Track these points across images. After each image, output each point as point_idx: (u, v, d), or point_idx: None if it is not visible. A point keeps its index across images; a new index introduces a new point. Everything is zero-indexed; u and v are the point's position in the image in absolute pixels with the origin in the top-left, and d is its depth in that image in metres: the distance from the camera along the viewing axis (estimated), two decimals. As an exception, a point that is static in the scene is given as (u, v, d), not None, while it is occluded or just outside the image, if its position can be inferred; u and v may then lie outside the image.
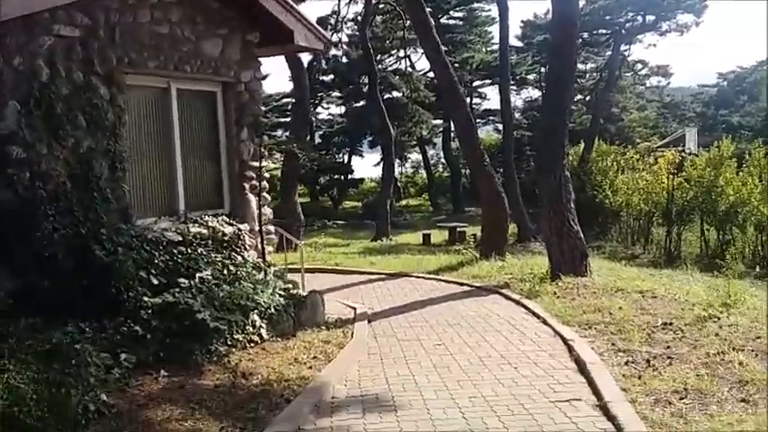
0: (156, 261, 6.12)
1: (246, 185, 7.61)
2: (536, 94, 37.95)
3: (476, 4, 33.26)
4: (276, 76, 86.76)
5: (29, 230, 5.20)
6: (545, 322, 6.79)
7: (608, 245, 18.21)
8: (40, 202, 5.30)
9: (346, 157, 37.64)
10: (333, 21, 24.24)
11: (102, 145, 5.96)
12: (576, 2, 10.24)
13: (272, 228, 8.17)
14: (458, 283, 9.72)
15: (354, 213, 32.57)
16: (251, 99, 7.58)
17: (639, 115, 37.29)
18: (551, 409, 4.35)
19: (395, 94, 32.59)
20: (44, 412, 3.63)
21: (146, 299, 5.38)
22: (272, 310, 6.22)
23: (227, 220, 7.30)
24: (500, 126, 33.31)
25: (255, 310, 6.05)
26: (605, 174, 20.32)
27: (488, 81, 36.20)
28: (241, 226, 7.32)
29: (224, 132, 7.48)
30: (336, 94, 36.14)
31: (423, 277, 10.58)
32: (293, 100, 21.48)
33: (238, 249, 7.20)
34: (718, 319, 6.32)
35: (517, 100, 36.95)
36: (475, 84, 36.36)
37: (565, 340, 6.01)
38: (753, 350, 5.23)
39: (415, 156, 42.23)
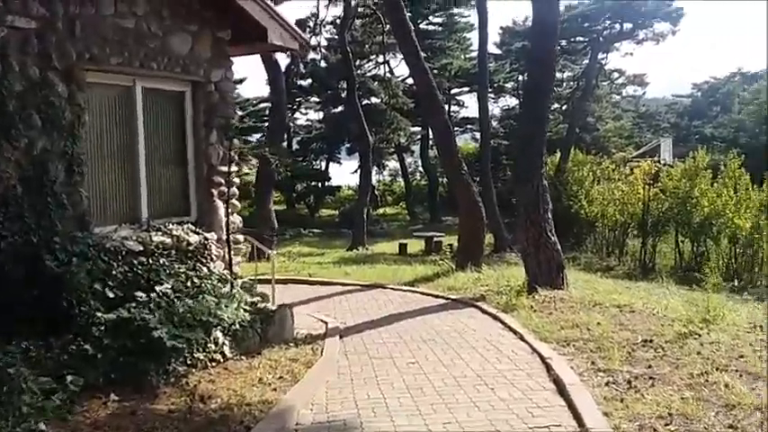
0: (114, 272, 5.74)
1: (215, 192, 7.26)
2: (513, 102, 38.10)
3: (455, 10, 33.25)
4: (253, 79, 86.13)
5: (-29, 238, 4.81)
6: (522, 338, 6.57)
7: (583, 256, 18.15)
8: (-15, 207, 4.91)
9: (324, 164, 37.24)
10: (311, 24, 23.92)
11: (59, 146, 5.58)
12: (556, 10, 10.09)
13: (241, 237, 7.81)
14: (433, 295, 9.47)
15: (331, 221, 32.18)
16: (221, 100, 7.24)
17: (615, 125, 37.63)
18: (530, 436, 4.10)
19: (373, 99, 32.32)
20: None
21: (99, 314, 5.01)
22: (237, 326, 5.88)
23: (193, 228, 6.93)
24: (478, 134, 33.34)
25: (218, 327, 5.70)
26: (581, 184, 20.32)
27: (466, 89, 36.18)
28: (208, 235, 6.96)
29: (192, 135, 7.12)
30: (315, 99, 35.74)
31: (398, 289, 10.31)
32: (270, 104, 21.04)
33: (204, 260, 6.83)
34: (699, 336, 6.16)
35: (495, 108, 37.01)
36: (453, 91, 36.30)
37: (543, 358, 5.78)
38: (737, 370, 5.06)
39: (393, 163, 41.99)
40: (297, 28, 7.92)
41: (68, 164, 5.61)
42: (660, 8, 25.95)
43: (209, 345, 5.58)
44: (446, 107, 27.19)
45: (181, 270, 6.36)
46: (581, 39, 30.52)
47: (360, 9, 25.28)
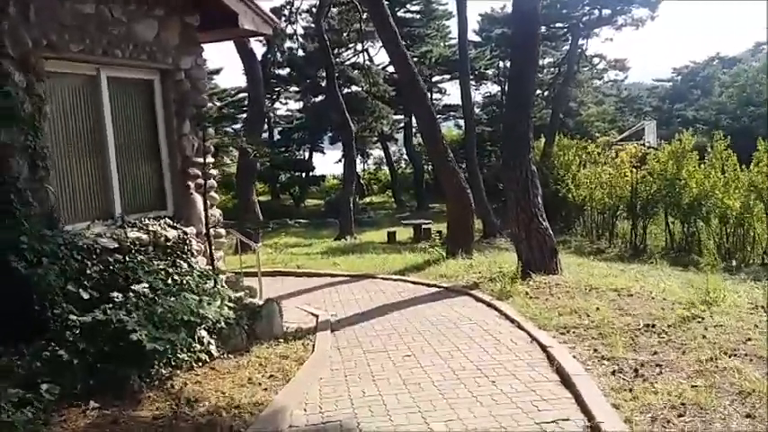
0: (88, 272, 5.39)
1: (191, 184, 6.91)
2: (495, 89, 37.85)
3: (432, -3, 32.92)
4: (231, 69, 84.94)
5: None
6: (520, 326, 6.34)
7: (573, 239, 18.06)
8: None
9: (307, 154, 36.80)
10: (287, 12, 23.37)
11: (19, 140, 5.18)
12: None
13: (222, 231, 7.48)
14: (425, 284, 9.21)
15: (317, 211, 31.82)
16: (193, 88, 6.87)
17: (597, 109, 37.58)
18: (538, 432, 3.86)
19: (354, 88, 31.91)
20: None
21: (73, 317, 4.66)
22: (222, 323, 5.57)
23: (171, 222, 6.59)
24: (461, 122, 33.08)
25: (203, 325, 5.39)
26: (568, 168, 20.16)
27: (448, 76, 35.91)
28: (186, 229, 6.62)
29: (163, 125, 6.76)
30: (295, 88, 35.21)
31: (389, 278, 10.03)
32: (247, 95, 20.55)
33: (184, 256, 6.50)
34: (702, 319, 5.97)
35: (476, 95, 36.77)
36: (434, 79, 36.00)
37: (543, 347, 5.56)
38: (746, 354, 4.86)
39: (378, 152, 41.67)
40: (269, 12, 7.56)
41: (31, 158, 5.22)
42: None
43: (193, 344, 5.27)
44: (428, 95, 26.88)
45: (160, 267, 6.03)
46: (560, 25, 30.32)
47: (336, -4, 24.82)
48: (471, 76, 27.28)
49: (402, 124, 36.27)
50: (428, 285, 9.08)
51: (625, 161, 18.43)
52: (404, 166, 41.16)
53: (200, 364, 5.24)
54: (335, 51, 28.68)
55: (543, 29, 28.24)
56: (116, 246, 5.79)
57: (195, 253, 6.70)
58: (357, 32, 26.93)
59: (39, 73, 5.36)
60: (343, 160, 23.43)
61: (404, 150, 39.09)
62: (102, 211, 6.24)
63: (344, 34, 29.60)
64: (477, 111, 32.97)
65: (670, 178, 15.70)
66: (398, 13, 31.03)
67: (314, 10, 24.79)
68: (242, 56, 16.08)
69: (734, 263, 9.61)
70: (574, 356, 5.23)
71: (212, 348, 5.43)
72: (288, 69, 33.32)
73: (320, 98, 32.88)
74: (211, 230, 6.96)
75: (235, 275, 8.10)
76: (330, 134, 34.34)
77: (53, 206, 5.49)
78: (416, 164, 35.13)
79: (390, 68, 29.83)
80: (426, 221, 20.67)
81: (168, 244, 6.37)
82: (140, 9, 6.31)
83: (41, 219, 5.31)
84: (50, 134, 5.58)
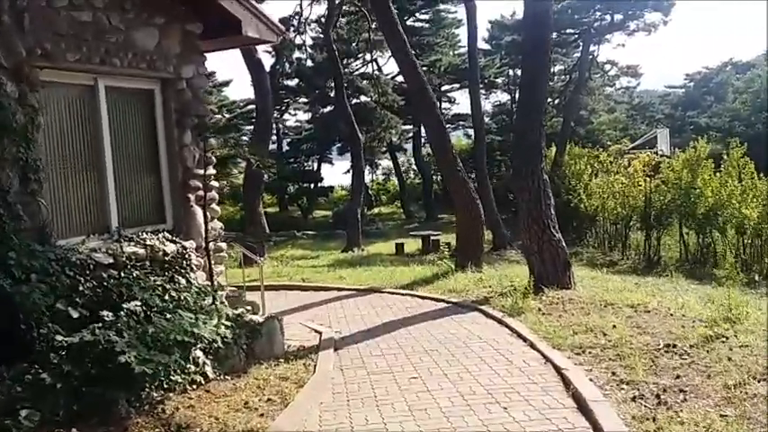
0: (80, 288, 5.16)
1: (192, 196, 6.67)
2: (505, 97, 37.64)
3: (442, 6, 32.73)
4: (240, 81, 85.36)
5: None
6: (532, 346, 6.03)
7: (585, 251, 17.68)
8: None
9: (315, 165, 36.66)
10: (295, 22, 23.27)
11: (11, 152, 4.98)
12: (549, 1, 9.63)
13: (223, 245, 7.23)
14: (433, 298, 8.91)
15: (325, 223, 31.63)
16: (194, 97, 6.65)
17: (609, 117, 37.21)
18: (554, 467, 3.56)
19: (362, 98, 31.76)
20: None
21: (59, 337, 4.42)
22: (219, 343, 5.30)
23: (170, 236, 6.35)
24: (470, 131, 32.86)
25: (198, 345, 5.13)
26: (579, 177, 19.82)
27: (457, 85, 35.72)
28: (186, 243, 6.38)
29: (164, 136, 6.54)
30: (303, 99, 35.14)
31: (396, 293, 9.73)
32: (255, 106, 20.38)
33: (183, 271, 6.25)
34: (726, 339, 5.64)
35: (486, 104, 36.54)
36: (444, 88, 35.81)
37: (558, 369, 5.25)
38: (778, 379, 4.53)
39: (386, 162, 41.48)
40: (274, 19, 7.35)
41: (23, 171, 5.02)
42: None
43: (188, 366, 5.00)
44: (437, 104, 26.68)
45: (157, 283, 5.77)
46: (571, 31, 30.08)
47: (345, 6, 24.67)
48: (481, 85, 27.09)
49: (411, 134, 36.08)
50: (436, 300, 8.78)
51: (638, 170, 18.08)
52: (413, 176, 40.94)
53: (195, 386, 4.97)
54: (344, 61, 28.57)
55: (554, 35, 28.01)
56: (111, 261, 5.57)
57: (195, 268, 6.46)
58: (366, 42, 26.81)
59: (32, 83, 5.17)
60: (351, 171, 23.21)
61: (413, 161, 38.87)
62: (98, 224, 6.01)
63: (353, 44, 29.51)
64: (486, 120, 32.69)
65: (685, 187, 15.34)
66: (407, 22, 30.92)
67: (323, 20, 24.71)
68: (249, 66, 15.94)
69: (756, 277, 9.22)
70: (591, 380, 4.92)
71: (208, 369, 5.17)
72: (296, 80, 33.27)
73: (329, 109, 32.77)
74: (211, 244, 6.71)
75: (237, 290, 7.88)
76: (339, 145, 34.21)
77: (45, 220, 5.28)
78: (425, 174, 34.88)
79: (399, 78, 29.66)
80: (435, 233, 20.38)
81: (166, 259, 6.12)
82: (140, 17, 6.11)
83: (32, 233, 5.11)
84: (45, 146, 5.39)
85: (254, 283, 9.35)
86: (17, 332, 4.53)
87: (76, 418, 4.13)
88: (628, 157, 22.59)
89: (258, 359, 5.85)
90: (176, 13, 6.43)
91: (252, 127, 30.85)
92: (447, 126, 14.45)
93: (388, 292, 9.82)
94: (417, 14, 33.61)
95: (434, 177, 34.40)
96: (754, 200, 13.71)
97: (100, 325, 4.63)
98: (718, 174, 15.20)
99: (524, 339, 6.29)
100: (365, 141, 25.09)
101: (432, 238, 19.10)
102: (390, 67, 37.82)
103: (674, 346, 5.59)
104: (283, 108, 35.53)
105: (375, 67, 32.24)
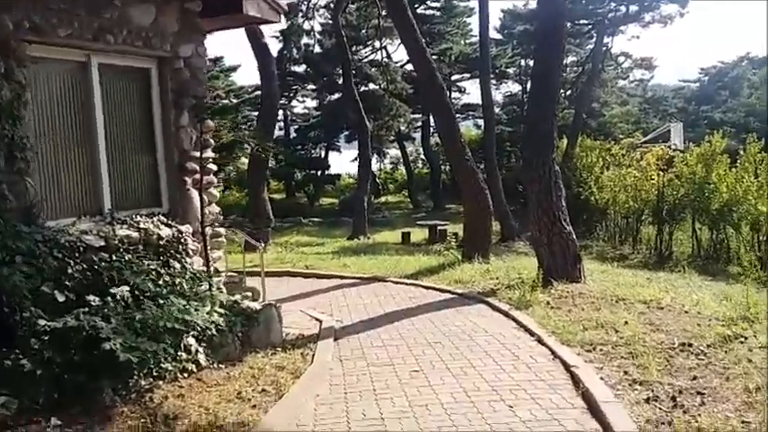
0: (69, 271, 4.94)
1: (188, 179, 6.44)
2: (516, 88, 37.12)
3: (454, -6, 32.26)
4: (249, 67, 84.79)
5: None
6: (540, 341, 5.77)
7: (595, 244, 17.32)
8: None
9: (323, 153, 36.37)
10: (304, 7, 22.90)
11: (-5, 129, 4.76)
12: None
13: (222, 230, 7.00)
14: (438, 289, 8.65)
15: (331, 210, 31.40)
16: (192, 77, 6.40)
17: (621, 110, 36.58)
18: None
19: (371, 86, 31.37)
20: None
21: (42, 322, 4.20)
22: (213, 330, 5.08)
23: (165, 220, 6.12)
24: (480, 121, 32.40)
25: (191, 332, 4.91)
26: (590, 170, 19.41)
27: (467, 75, 35.22)
28: (182, 228, 6.14)
29: (160, 116, 6.29)
30: (311, 86, 34.80)
31: (400, 282, 9.49)
32: (260, 91, 20.03)
33: (179, 256, 6.02)
34: (745, 339, 5.36)
35: (497, 94, 36.02)
36: (454, 77, 35.31)
37: (567, 366, 5.00)
38: (802, 383, 4.26)
39: (394, 151, 41.11)
40: (277, -2, 7.07)
41: (9, 149, 4.79)
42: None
43: (179, 353, 4.79)
44: (447, 92, 26.30)
45: (151, 267, 5.56)
46: (585, 22, 29.50)
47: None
48: (492, 75, 26.65)
49: (420, 123, 35.70)
50: (441, 291, 8.53)
51: (651, 164, 17.66)
52: (421, 165, 40.58)
53: (186, 374, 4.76)
54: (353, 48, 28.19)
55: (567, 25, 27.49)
56: (102, 244, 5.34)
57: (191, 253, 6.22)
58: (375, 29, 26.39)
59: (20, 58, 4.93)
60: (358, 159, 22.92)
61: (421, 150, 38.50)
62: (90, 206, 5.79)
63: (362, 31, 29.07)
64: (497, 110, 32.26)
65: (699, 182, 14.94)
66: (418, 10, 30.45)
67: (331, 5, 24.33)
68: (255, 50, 15.63)
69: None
70: (601, 378, 4.67)
71: (201, 357, 4.95)
72: (304, 66, 32.91)
73: (337, 96, 32.42)
74: (209, 229, 6.49)
75: (238, 276, 7.67)
76: (346, 133, 33.86)
77: (33, 200, 5.06)
78: (433, 164, 34.51)
79: (409, 66, 29.26)
80: (442, 222, 20.09)
81: (161, 243, 5.90)
82: (135, -8, 5.85)
83: (18, 214, 4.89)
84: (35, 124, 5.17)
85: (256, 269, 9.14)
86: (-1, 315, 4.33)
87: (57, 407, 3.94)
88: (640, 150, 22.14)
89: (254, 347, 5.64)
90: (174, -11, 6.16)
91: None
92: (456, 116, 14.14)
93: (392, 282, 9.59)
94: (428, 2, 33.12)
95: (443, 167, 34.04)
96: (772, 196, 13.31)
97: (86, 310, 4.42)
98: (733, 169, 14.79)
99: (532, 334, 6.04)
100: (373, 129, 24.76)
101: (439, 227, 18.81)
102: (400, 54, 37.45)
103: (690, 345, 5.32)
104: (291, 95, 35.18)
105: (384, 55, 31.81)
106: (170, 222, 6.13)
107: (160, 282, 5.44)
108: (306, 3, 22.84)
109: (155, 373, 4.53)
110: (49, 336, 4.14)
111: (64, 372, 4.04)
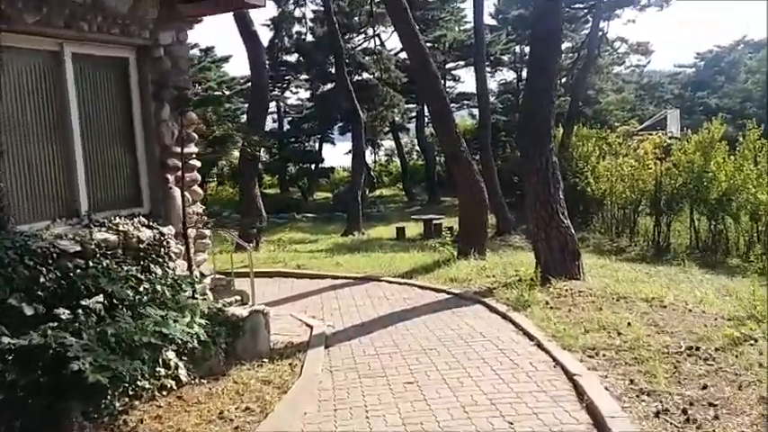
0: (42, 280, 4.62)
1: (171, 177, 6.09)
2: (511, 76, 36.70)
3: (448, -20, 31.77)
4: (242, 57, 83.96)
5: None
6: (540, 346, 5.51)
7: (591, 236, 17.08)
8: None
9: (317, 145, 35.96)
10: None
11: (-42, 125, 4.43)
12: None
13: (207, 231, 6.68)
14: (434, 289, 8.37)
15: (326, 205, 31.07)
16: (174, 67, 6.04)
17: (617, 97, 36.25)
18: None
19: (364, 75, 30.95)
20: None
21: (6, 340, 3.89)
22: (195, 342, 4.78)
23: (146, 221, 5.80)
24: (475, 111, 32.06)
25: (171, 346, 4.61)
26: (587, 159, 19.15)
27: (462, 63, 34.83)
28: (163, 229, 5.81)
29: (139, 110, 5.93)
30: (305, 77, 34.32)
31: (394, 282, 9.20)
32: (250, 81, 19.52)
33: (160, 259, 5.70)
34: (755, 341, 5.12)
35: (491, 83, 35.55)
36: (448, 66, 34.90)
37: (569, 375, 4.73)
38: (821, 394, 4.01)
39: (389, 143, 40.73)
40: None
41: (-26, 147, 4.47)
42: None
43: (157, 369, 4.49)
44: (441, 79, 25.89)
45: (131, 273, 5.24)
46: (580, 6, 29.09)
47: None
48: (487, 63, 26.25)
49: (414, 114, 35.32)
50: (437, 291, 8.25)
51: (648, 152, 17.40)
52: (416, 157, 40.24)
53: (166, 392, 4.48)
54: (346, 36, 27.73)
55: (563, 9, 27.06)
56: (78, 249, 5.01)
57: (173, 256, 5.90)
58: (368, 15, 25.92)
59: (-17, 47, 4.60)
60: (352, 151, 22.57)
61: (416, 141, 38.13)
62: (65, 208, 5.45)
63: (355, 18, 28.59)
64: (491, 99, 31.87)
65: (697, 171, 14.70)
66: (411, -3, 29.98)
67: (323, -8, 23.84)
68: (244, 38, 15.17)
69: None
70: (606, 388, 4.41)
71: (181, 373, 4.64)
72: (296, 55, 32.42)
73: (330, 86, 31.98)
74: (192, 230, 6.18)
75: (226, 279, 7.37)
76: (340, 124, 33.46)
77: (2, 203, 4.73)
78: (428, 155, 34.18)
79: (403, 55, 28.82)
80: (437, 217, 19.80)
81: (141, 246, 5.57)
82: (109, -24, 5.49)
83: (-15, 218, 4.57)
84: (4, 119, 4.82)
85: (247, 269, 8.85)
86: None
87: (23, 434, 3.64)
88: (637, 138, 21.87)
89: (240, 359, 5.36)
90: (152, -26, 5.80)
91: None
92: (451, 105, 13.78)
93: (387, 281, 9.30)
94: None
95: (438, 159, 33.73)
96: (772, 184, 13.09)
97: (54, 324, 4.11)
98: (731, 157, 14.55)
99: (531, 338, 5.77)
100: (366, 120, 24.38)
101: (434, 222, 18.54)
102: (393, 42, 36.97)
103: (698, 348, 5.07)
104: (284, 85, 34.72)
105: (378, 43, 31.40)
106: (151, 224, 5.80)
107: (141, 289, 5.14)
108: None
109: (130, 392, 4.23)
110: (13, 355, 3.84)
111: (29, 395, 3.74)
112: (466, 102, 36.34)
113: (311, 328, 6.65)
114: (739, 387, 4.26)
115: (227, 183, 32.34)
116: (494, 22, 33.44)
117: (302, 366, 5.28)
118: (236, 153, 25.47)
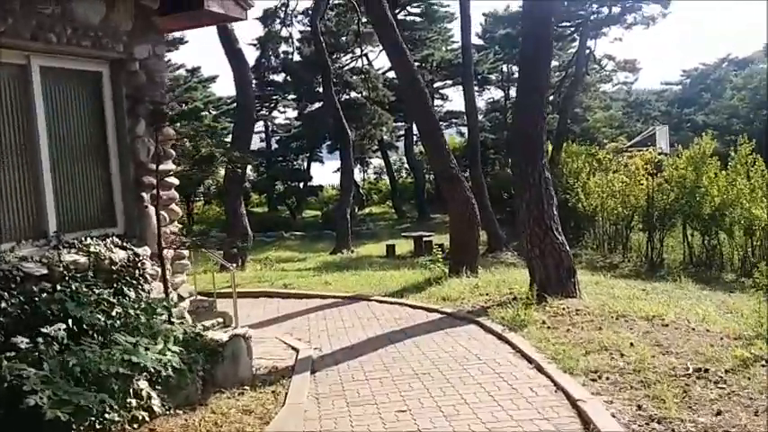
0: (3, 306, 4.29)
1: (146, 195, 5.79)
2: (499, 94, 36.87)
3: (434, -1, 31.95)
4: (229, 77, 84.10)
5: None
6: (540, 369, 5.20)
7: (583, 253, 16.86)
8: None
9: (305, 164, 35.73)
10: (282, 14, 22.33)
11: None
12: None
13: (185, 252, 6.35)
14: (425, 308, 8.05)
15: (314, 223, 30.77)
16: (150, 81, 5.77)
17: (604, 115, 36.45)
18: None
19: (352, 94, 30.89)
20: None
21: (-42, 373, 3.54)
22: (169, 370, 4.43)
23: (119, 242, 5.47)
24: (463, 129, 32.06)
25: (143, 375, 4.27)
26: (577, 176, 19.01)
27: (450, 81, 34.92)
28: (138, 250, 5.49)
29: (113, 125, 5.65)
30: (292, 96, 34.22)
31: (385, 301, 8.87)
32: (236, 101, 19.27)
33: (134, 282, 5.37)
34: (766, 362, 4.83)
35: (479, 101, 35.62)
36: (436, 84, 34.96)
37: (572, 401, 4.43)
38: None
39: (378, 161, 40.60)
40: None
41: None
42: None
43: (129, 400, 4.14)
44: (429, 97, 25.80)
45: (102, 297, 4.90)
46: (567, 24, 29.30)
47: (333, -2, 23.79)
48: (475, 81, 26.27)
49: (403, 132, 35.26)
50: (429, 310, 7.93)
51: (639, 168, 17.28)
52: (405, 175, 40.10)
53: (137, 424, 4.11)
54: (333, 55, 27.68)
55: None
56: (44, 272, 4.70)
57: (149, 278, 5.57)
58: (355, 35, 25.89)
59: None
60: (341, 169, 22.34)
61: (405, 159, 38.02)
62: (32, 229, 5.12)
63: (342, 37, 28.58)
64: (479, 118, 31.87)
65: (689, 186, 14.56)
66: (399, 16, 30.09)
67: (310, 11, 23.81)
68: (229, 56, 14.97)
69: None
70: (613, 415, 4.11)
71: (154, 403, 4.30)
72: (283, 75, 32.32)
73: (317, 105, 31.88)
74: (169, 251, 5.85)
75: (208, 300, 7.01)
76: (328, 143, 33.32)
77: (-39, 224, 4.41)
78: (417, 173, 34.07)
79: (390, 74, 28.83)
80: (427, 234, 19.54)
81: (114, 268, 5.24)
82: (81, -14, 5.23)
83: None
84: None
85: (228, 291, 8.50)
86: None
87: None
88: (627, 155, 21.82)
89: (220, 387, 5.01)
90: (126, -17, 5.54)
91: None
92: (440, 123, 13.58)
93: (377, 301, 8.96)
94: (409, 8, 32.78)
95: (427, 176, 33.60)
96: (764, 199, 12.94)
97: (12, 354, 3.76)
98: (723, 172, 14.44)
99: (529, 360, 5.47)
100: (355, 138, 24.20)
101: (424, 239, 18.27)
102: (381, 61, 37.05)
103: (707, 370, 4.80)
104: (272, 105, 34.58)
105: (365, 62, 31.38)
106: (125, 244, 5.47)
107: (113, 313, 4.80)
108: (284, 9, 22.24)
109: (98, 426, 3.87)
110: (-35, 390, 3.49)
111: (-20, 434, 3.38)
112: (454, 120, 36.36)
113: (297, 351, 6.30)
114: (755, 413, 3.98)
115: (213, 202, 31.95)
116: (481, 42, 33.62)
117: (286, 394, 4.93)
118: (223, 172, 25.23)
